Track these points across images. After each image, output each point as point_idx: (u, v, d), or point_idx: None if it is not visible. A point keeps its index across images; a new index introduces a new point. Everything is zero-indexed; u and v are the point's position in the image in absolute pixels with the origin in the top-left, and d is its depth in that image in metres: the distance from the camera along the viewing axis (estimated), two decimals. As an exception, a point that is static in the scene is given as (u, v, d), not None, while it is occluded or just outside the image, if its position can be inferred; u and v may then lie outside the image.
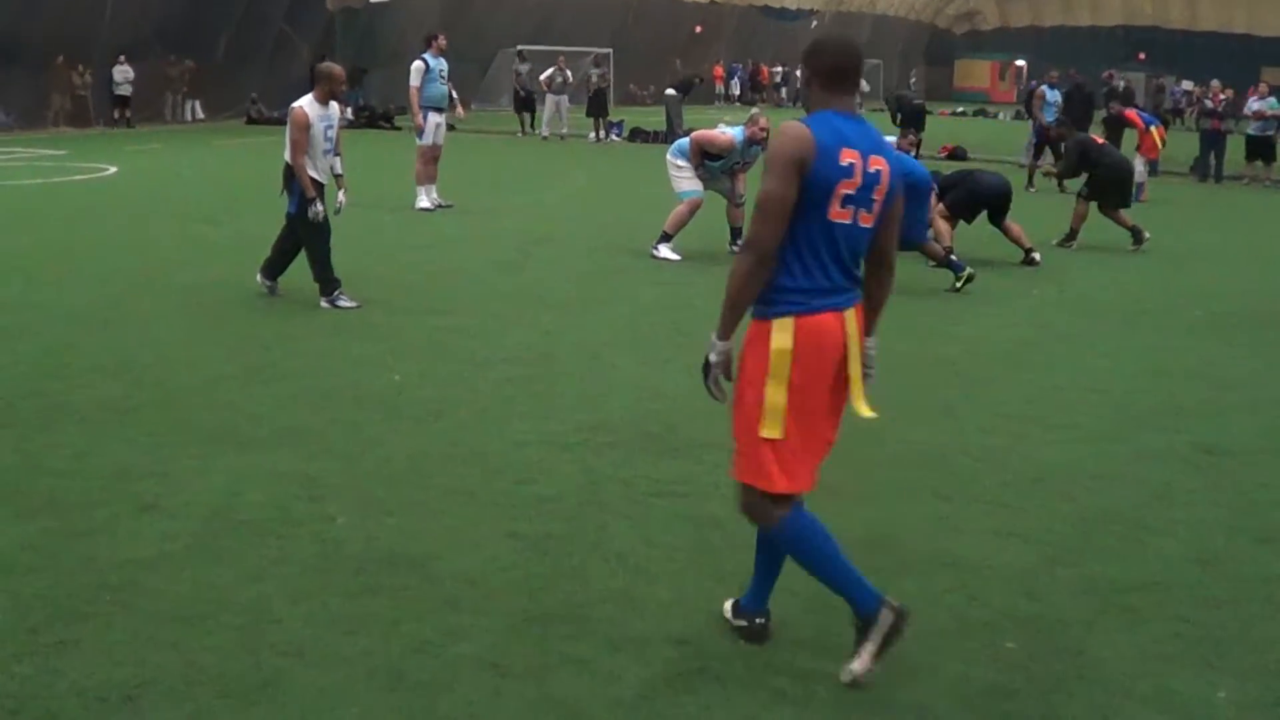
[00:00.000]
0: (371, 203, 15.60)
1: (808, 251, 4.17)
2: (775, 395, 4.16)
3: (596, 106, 32.68)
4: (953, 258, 12.16)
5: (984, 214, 13.82)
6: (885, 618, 4.25)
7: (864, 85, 30.06)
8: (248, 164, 22.90)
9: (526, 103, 33.25)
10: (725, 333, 4.24)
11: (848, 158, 4.13)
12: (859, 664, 4.27)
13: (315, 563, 5.23)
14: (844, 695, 4.24)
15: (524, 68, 33.47)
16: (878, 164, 4.20)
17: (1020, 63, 66.42)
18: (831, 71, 4.25)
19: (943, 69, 70.39)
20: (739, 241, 13.79)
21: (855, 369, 4.27)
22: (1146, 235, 15.20)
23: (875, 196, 4.21)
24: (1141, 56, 60.23)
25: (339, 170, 10.54)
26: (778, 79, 59.55)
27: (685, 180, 13.47)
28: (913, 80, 63.44)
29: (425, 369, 8.45)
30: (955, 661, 4.52)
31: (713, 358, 4.27)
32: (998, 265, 13.39)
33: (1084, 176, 15.43)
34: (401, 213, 16.34)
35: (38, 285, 11.13)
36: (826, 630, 4.70)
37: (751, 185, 13.88)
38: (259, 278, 10.69)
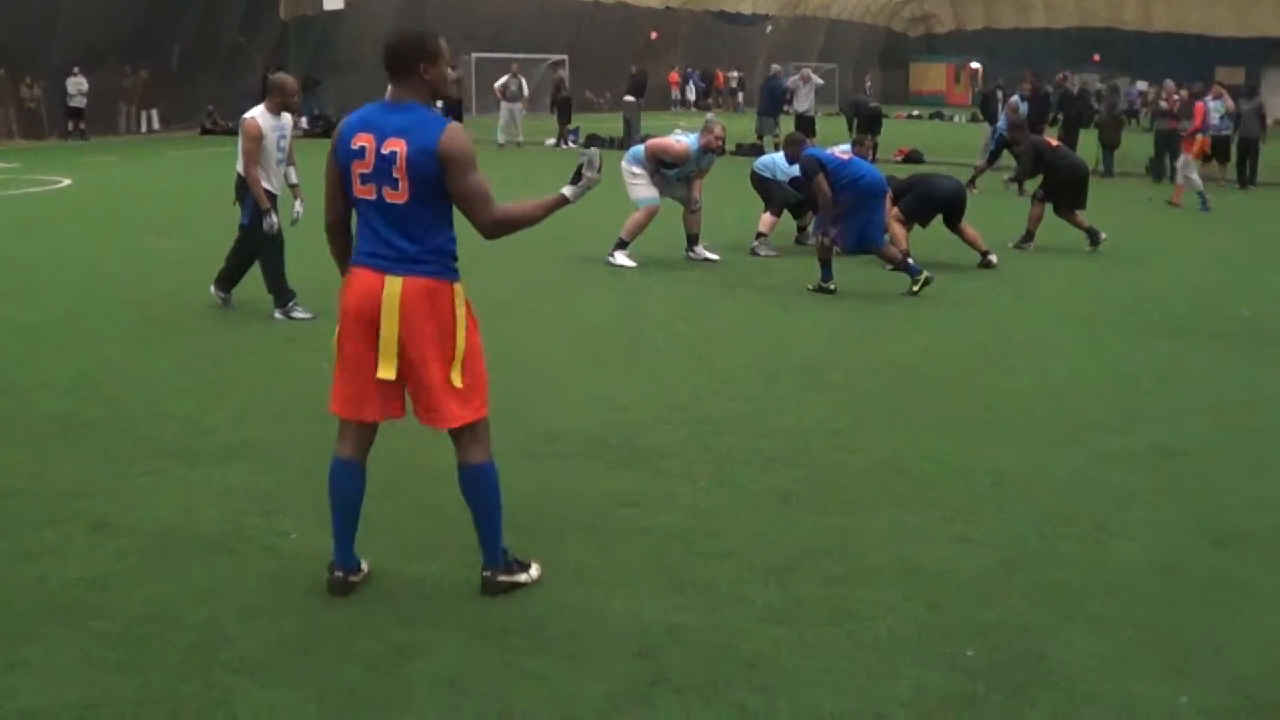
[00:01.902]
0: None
1: (358, 220, 4.81)
2: (337, 330, 4.83)
3: (563, 111, 32.60)
4: (909, 261, 12.17)
5: (939, 217, 13.87)
6: (334, 578, 4.98)
7: (812, 83, 29.57)
8: (202, 175, 22.71)
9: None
10: None
11: (360, 141, 4.67)
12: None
13: (269, 579, 5.18)
14: (803, 709, 4.21)
15: (454, 75, 33.22)
16: (393, 146, 4.62)
17: (975, 65, 66.74)
18: (385, 65, 4.80)
19: (898, 72, 70.66)
20: (695, 248, 13.80)
21: (388, 331, 4.70)
22: (1103, 236, 15.25)
23: (396, 175, 4.63)
24: (1096, 58, 60.63)
25: (294, 180, 10.48)
26: (733, 84, 59.68)
27: (641, 187, 13.43)
28: (868, 84, 63.58)
29: (381, 380, 8.36)
30: (915, 669, 4.49)
31: None
32: (954, 268, 13.41)
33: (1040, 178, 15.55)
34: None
35: (-13, 300, 11.00)
36: (784, 643, 4.67)
37: (706, 191, 13.96)
38: (212, 289, 10.60)
